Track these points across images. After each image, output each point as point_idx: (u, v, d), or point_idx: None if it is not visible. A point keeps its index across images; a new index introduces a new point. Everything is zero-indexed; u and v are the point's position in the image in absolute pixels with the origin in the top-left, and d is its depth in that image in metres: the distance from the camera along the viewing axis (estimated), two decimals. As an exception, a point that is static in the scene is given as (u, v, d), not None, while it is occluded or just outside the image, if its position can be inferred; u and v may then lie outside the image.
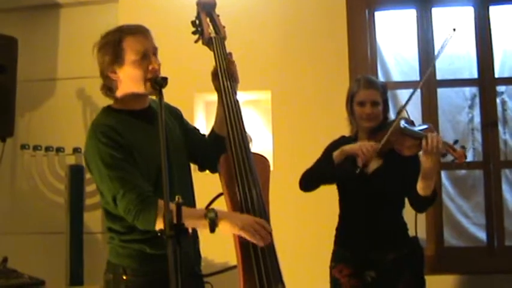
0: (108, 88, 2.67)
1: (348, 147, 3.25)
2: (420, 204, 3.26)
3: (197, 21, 3.06)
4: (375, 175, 3.32)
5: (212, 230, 2.40)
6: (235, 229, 2.51)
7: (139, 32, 2.65)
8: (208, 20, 3.05)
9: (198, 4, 3.07)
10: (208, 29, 3.02)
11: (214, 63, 2.92)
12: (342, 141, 3.44)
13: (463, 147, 3.07)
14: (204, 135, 3.01)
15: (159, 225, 2.38)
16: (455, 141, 3.10)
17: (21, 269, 4.25)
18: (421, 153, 3.13)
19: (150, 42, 2.65)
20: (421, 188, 3.13)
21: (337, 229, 3.48)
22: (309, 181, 3.42)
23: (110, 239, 2.68)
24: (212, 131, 2.96)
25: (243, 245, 2.59)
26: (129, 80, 2.61)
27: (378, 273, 3.28)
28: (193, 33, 3.06)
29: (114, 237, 2.65)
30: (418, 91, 4.65)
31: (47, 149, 4.99)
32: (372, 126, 3.35)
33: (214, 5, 3.10)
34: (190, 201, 2.77)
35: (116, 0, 5.10)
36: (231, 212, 2.65)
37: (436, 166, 3.10)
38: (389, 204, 3.34)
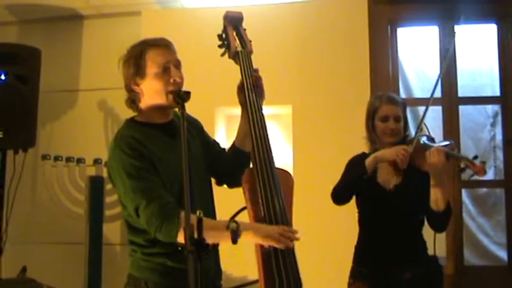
0: (132, 101, 2.68)
1: (380, 154, 3.27)
2: (436, 221, 3.25)
3: (224, 35, 3.05)
4: (395, 192, 3.30)
5: (234, 241, 2.35)
6: (258, 238, 2.49)
7: (161, 44, 2.65)
8: (234, 33, 3.04)
9: (225, 18, 3.07)
10: (234, 42, 3.01)
11: (240, 77, 2.91)
12: (363, 157, 3.44)
13: (483, 162, 3.06)
14: (223, 149, 2.99)
15: (181, 237, 2.35)
16: (475, 157, 3.09)
17: (40, 278, 4.26)
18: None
19: (172, 55, 2.65)
20: (433, 201, 3.16)
21: (356, 247, 3.45)
22: (342, 191, 3.37)
23: (132, 251, 2.66)
24: (233, 145, 2.93)
25: (265, 254, 2.57)
26: (151, 92, 2.62)
27: None
28: (220, 46, 3.05)
29: (136, 250, 2.63)
30: (440, 108, 4.69)
31: (68, 159, 5.02)
32: (393, 141, 3.34)
33: (241, 19, 3.09)
34: (211, 216, 2.74)
35: (138, 12, 5.15)
36: (254, 223, 2.63)
37: (442, 178, 3.14)
38: (408, 222, 3.31)
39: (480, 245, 4.88)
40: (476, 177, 3.16)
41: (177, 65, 2.67)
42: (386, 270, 3.25)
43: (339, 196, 3.37)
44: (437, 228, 3.31)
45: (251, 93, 2.86)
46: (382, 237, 3.29)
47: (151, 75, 2.59)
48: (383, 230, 3.30)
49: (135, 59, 2.61)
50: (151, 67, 2.59)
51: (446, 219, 3.24)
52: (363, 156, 3.45)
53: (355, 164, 3.37)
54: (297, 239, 2.55)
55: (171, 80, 2.59)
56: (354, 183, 3.34)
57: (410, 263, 3.26)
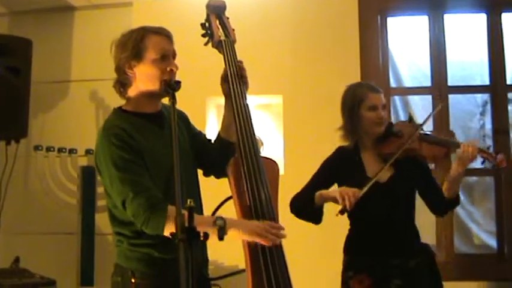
0: (122, 84, 2.67)
1: (326, 193, 3.23)
2: (444, 207, 3.38)
3: (207, 24, 3.05)
4: (389, 184, 3.27)
5: (221, 238, 2.38)
6: (245, 235, 2.52)
7: (163, 33, 2.68)
8: (218, 22, 3.05)
9: (207, 7, 3.07)
10: (218, 31, 3.02)
11: (224, 66, 2.92)
12: (340, 152, 3.45)
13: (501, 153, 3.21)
14: (209, 140, 2.99)
15: (169, 230, 2.31)
16: (488, 147, 3.20)
17: (32, 268, 4.28)
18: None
19: (171, 46, 2.69)
20: (447, 190, 3.26)
21: (349, 238, 3.40)
22: (297, 213, 3.38)
23: (118, 242, 2.68)
24: (218, 135, 2.94)
25: (252, 249, 2.60)
26: (144, 77, 2.62)
27: (403, 280, 3.19)
28: (203, 35, 3.05)
29: (122, 240, 2.65)
30: (430, 97, 4.72)
31: (60, 150, 5.01)
32: (382, 131, 3.32)
33: (224, 8, 3.10)
34: (198, 206, 2.75)
35: (130, 3, 5.15)
36: (240, 219, 2.66)
37: (464, 171, 3.21)
38: (405, 211, 3.32)
39: (470, 232, 4.91)
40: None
41: (174, 56, 2.69)
42: (392, 260, 3.21)
43: (295, 212, 3.39)
44: (440, 213, 3.50)
45: (235, 82, 2.88)
46: (383, 228, 3.25)
47: (149, 60, 2.61)
48: (382, 221, 3.26)
49: (135, 42, 2.61)
50: (151, 52, 2.61)
51: (454, 206, 3.43)
52: (339, 152, 3.45)
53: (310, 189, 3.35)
54: (283, 237, 2.59)
55: (168, 69, 2.62)
56: (305, 215, 3.38)
57: (411, 251, 3.26)
